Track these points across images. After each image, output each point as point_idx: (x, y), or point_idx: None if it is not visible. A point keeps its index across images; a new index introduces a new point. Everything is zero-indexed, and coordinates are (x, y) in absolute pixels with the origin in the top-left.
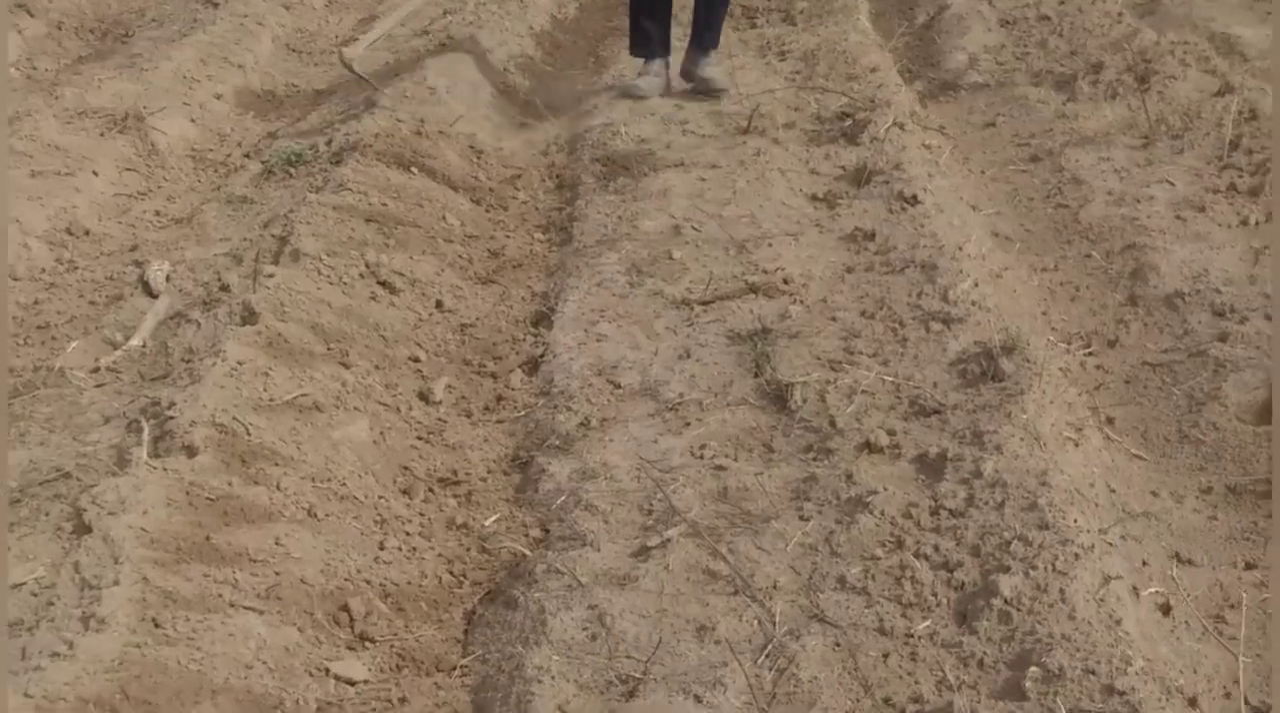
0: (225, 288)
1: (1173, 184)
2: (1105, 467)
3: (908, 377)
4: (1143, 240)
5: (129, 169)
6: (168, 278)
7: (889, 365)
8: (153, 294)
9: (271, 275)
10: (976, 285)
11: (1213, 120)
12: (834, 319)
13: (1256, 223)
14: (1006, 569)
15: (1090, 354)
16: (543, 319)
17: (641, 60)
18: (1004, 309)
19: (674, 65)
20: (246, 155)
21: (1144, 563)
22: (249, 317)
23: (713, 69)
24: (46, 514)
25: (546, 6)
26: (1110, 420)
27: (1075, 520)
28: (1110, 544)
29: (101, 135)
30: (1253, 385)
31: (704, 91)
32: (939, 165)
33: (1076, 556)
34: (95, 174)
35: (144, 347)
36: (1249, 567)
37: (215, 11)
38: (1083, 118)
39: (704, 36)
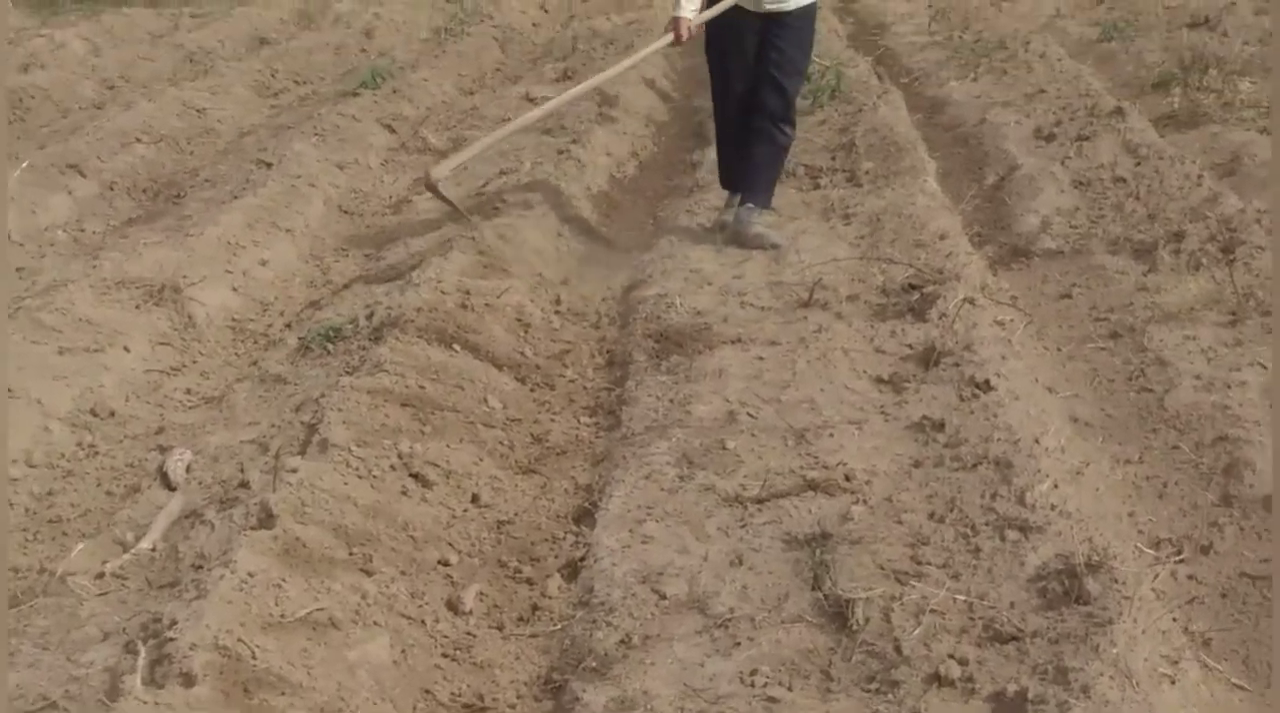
0: (245, 485)
1: (1265, 367)
2: (1205, 704)
3: (981, 595)
4: (1236, 432)
5: (163, 343)
6: (188, 469)
7: (960, 579)
8: (171, 486)
9: (295, 470)
10: (1056, 486)
11: None
12: (900, 522)
13: None
14: None
15: (1181, 562)
16: (585, 516)
17: (728, 192)
18: (1086, 513)
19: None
20: (288, 325)
21: None
22: (265, 519)
23: (756, 221)
24: None
25: (606, 166)
26: (1208, 642)
27: None
28: None
29: (137, 307)
30: None
31: (754, 242)
32: (1012, 345)
33: None
34: (126, 350)
35: (154, 550)
36: None
37: (268, 172)
38: (1165, 291)
39: (751, 192)
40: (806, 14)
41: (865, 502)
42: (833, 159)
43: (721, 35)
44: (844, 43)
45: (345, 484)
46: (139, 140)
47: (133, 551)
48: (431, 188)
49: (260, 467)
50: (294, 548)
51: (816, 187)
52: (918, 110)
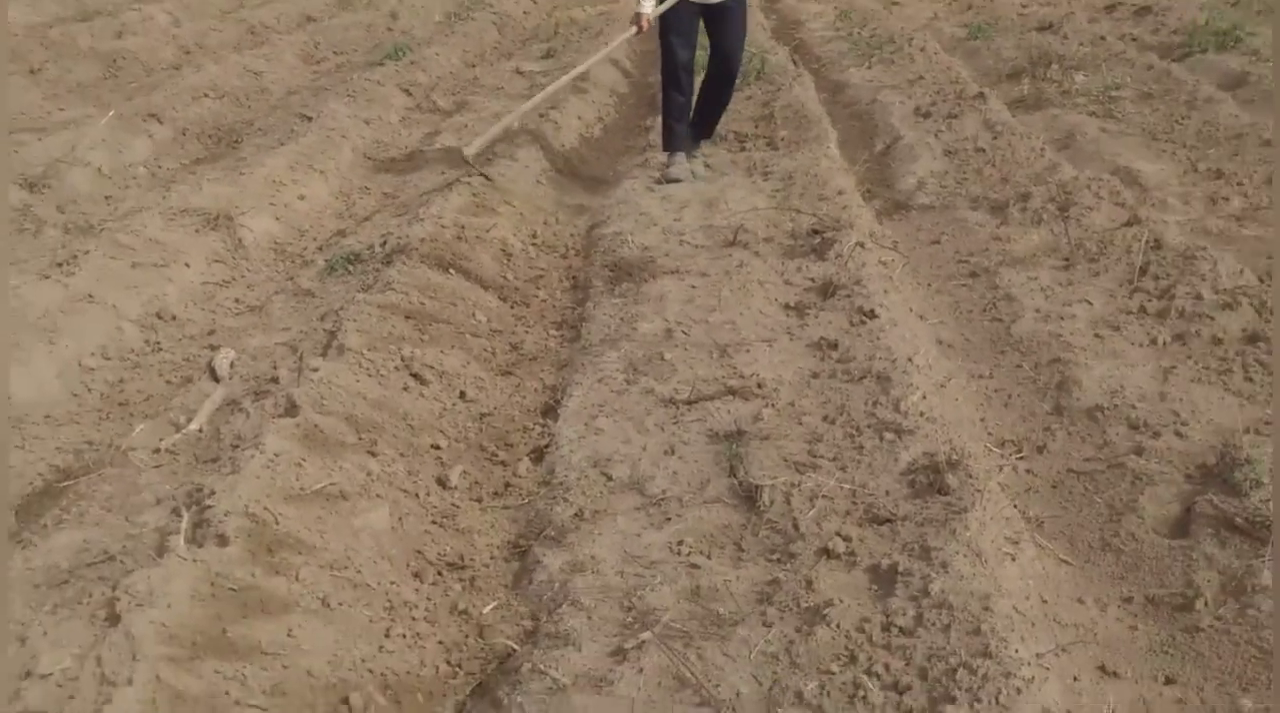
0: (275, 380)
1: (1091, 304)
2: (1038, 577)
3: (863, 484)
4: (1067, 356)
5: (217, 261)
6: (231, 365)
7: (847, 471)
8: (217, 379)
9: (316, 369)
10: (925, 397)
11: (1123, 247)
12: (800, 423)
13: (1164, 343)
14: (953, 700)
15: (1021, 459)
16: (550, 411)
17: (668, 154)
18: (948, 419)
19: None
20: (319, 248)
21: (1075, 678)
22: (290, 409)
23: (697, 164)
24: (88, 597)
25: (577, 128)
26: (1040, 524)
27: (1016, 651)
28: (1047, 669)
29: (197, 232)
30: (1166, 500)
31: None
32: (893, 281)
33: (1018, 690)
34: (187, 266)
35: (200, 431)
36: (1169, 682)
37: (308, 124)
38: (1013, 240)
39: (701, 132)
40: (742, 4)
41: (773, 405)
42: (756, 128)
43: (672, 26)
44: (768, 35)
45: (357, 381)
46: (207, 96)
47: (183, 431)
48: (465, 160)
49: (289, 366)
50: (313, 434)
51: (743, 149)
52: (824, 91)
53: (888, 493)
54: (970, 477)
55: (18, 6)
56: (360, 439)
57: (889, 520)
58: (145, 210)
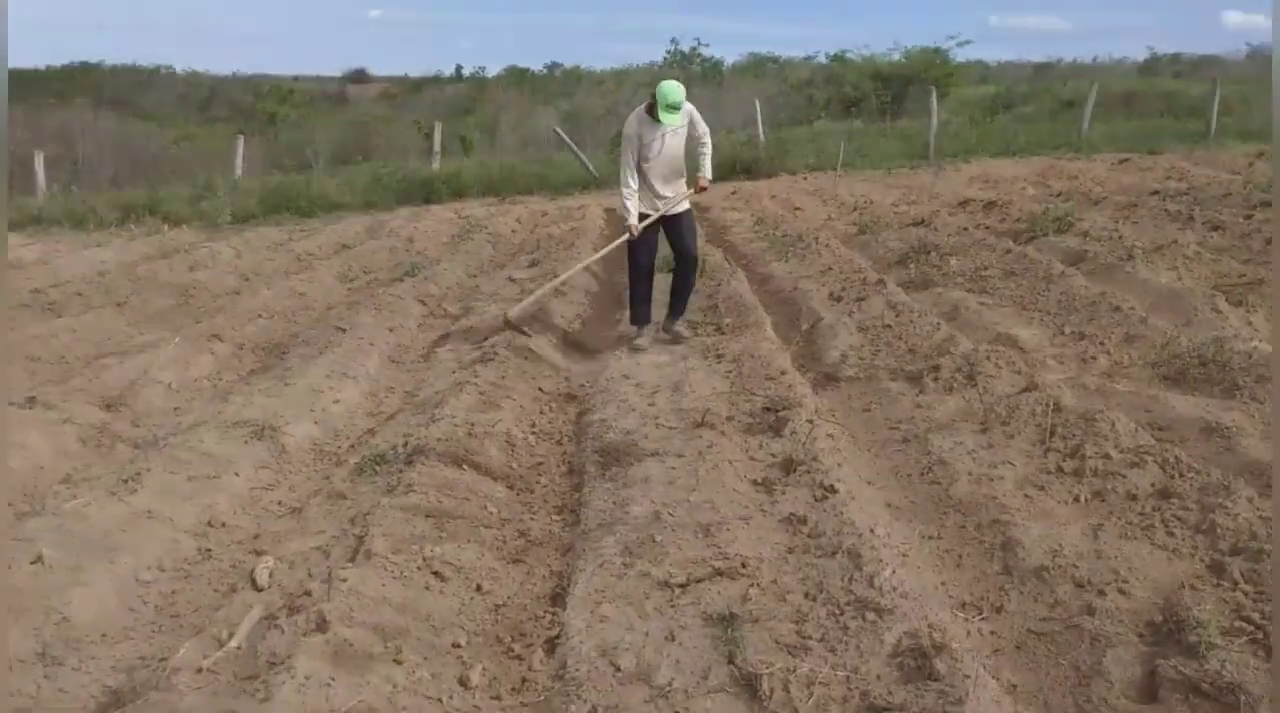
0: (308, 593)
1: (1014, 465)
2: None
3: (855, 668)
4: (1005, 516)
5: (263, 467)
6: (270, 574)
7: (837, 653)
8: (258, 588)
9: (345, 579)
10: (894, 572)
11: (1028, 411)
12: (784, 600)
13: (1086, 500)
14: None
15: (983, 619)
16: (558, 597)
17: (636, 328)
18: (917, 592)
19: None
20: (352, 446)
21: None
22: (321, 624)
23: (681, 327)
24: None
25: (561, 326)
26: (1014, 688)
27: None
28: None
29: (245, 442)
30: (1128, 662)
31: (679, 338)
32: (842, 452)
33: None
34: (237, 474)
35: (240, 648)
36: None
37: (342, 336)
38: (934, 407)
39: (677, 310)
40: (689, 213)
41: (758, 584)
42: (705, 317)
43: (640, 235)
44: (703, 240)
45: (383, 586)
46: (260, 316)
47: (224, 648)
48: (508, 324)
49: (321, 575)
50: (342, 649)
51: (696, 335)
52: (754, 283)
53: (879, 677)
54: (956, 661)
55: (112, 250)
56: (386, 647)
57: (886, 711)
58: (203, 424)
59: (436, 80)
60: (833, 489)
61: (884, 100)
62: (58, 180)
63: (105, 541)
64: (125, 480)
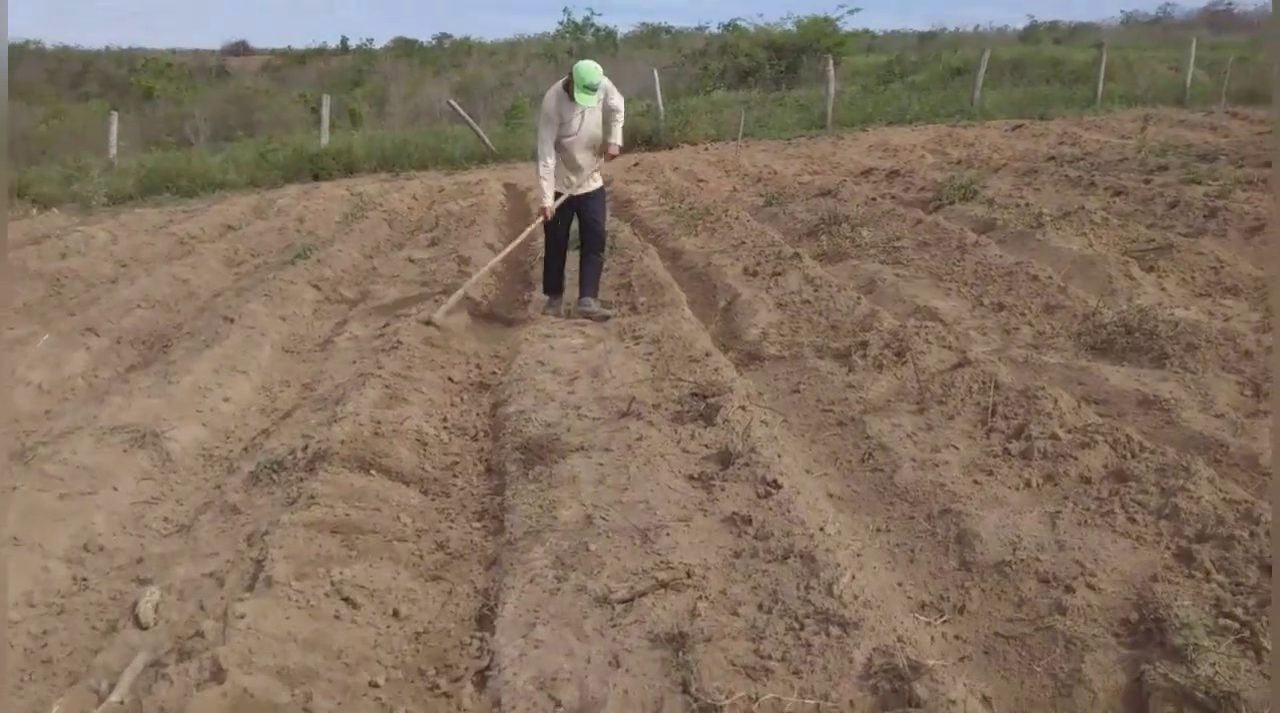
0: (200, 634)
1: (957, 449)
2: None
3: (824, 694)
4: (955, 506)
5: (146, 479)
6: (156, 609)
7: (802, 677)
8: (142, 625)
9: (242, 616)
10: (853, 578)
11: (965, 389)
12: (737, 614)
13: (1038, 485)
14: None
15: (945, 622)
16: (485, 620)
17: (547, 297)
18: (879, 598)
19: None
20: (245, 450)
21: None
22: (217, 673)
23: (593, 305)
24: None
25: (476, 296)
26: (988, 701)
27: None
28: None
29: (125, 451)
30: (1109, 667)
31: (592, 317)
32: (779, 442)
33: None
34: (115, 489)
35: (122, 703)
36: None
37: (230, 326)
38: (865, 387)
39: (586, 289)
40: (601, 191)
41: (706, 597)
42: (618, 295)
43: (557, 210)
44: (609, 214)
45: (287, 619)
46: (139, 306)
47: (105, 703)
48: (432, 324)
49: (215, 611)
50: (242, 702)
51: (611, 315)
52: (665, 258)
53: (853, 705)
54: (938, 683)
55: None
56: (294, 695)
57: None
58: (76, 431)
59: (321, 52)
60: (776, 484)
61: (778, 70)
62: None
63: None
64: None
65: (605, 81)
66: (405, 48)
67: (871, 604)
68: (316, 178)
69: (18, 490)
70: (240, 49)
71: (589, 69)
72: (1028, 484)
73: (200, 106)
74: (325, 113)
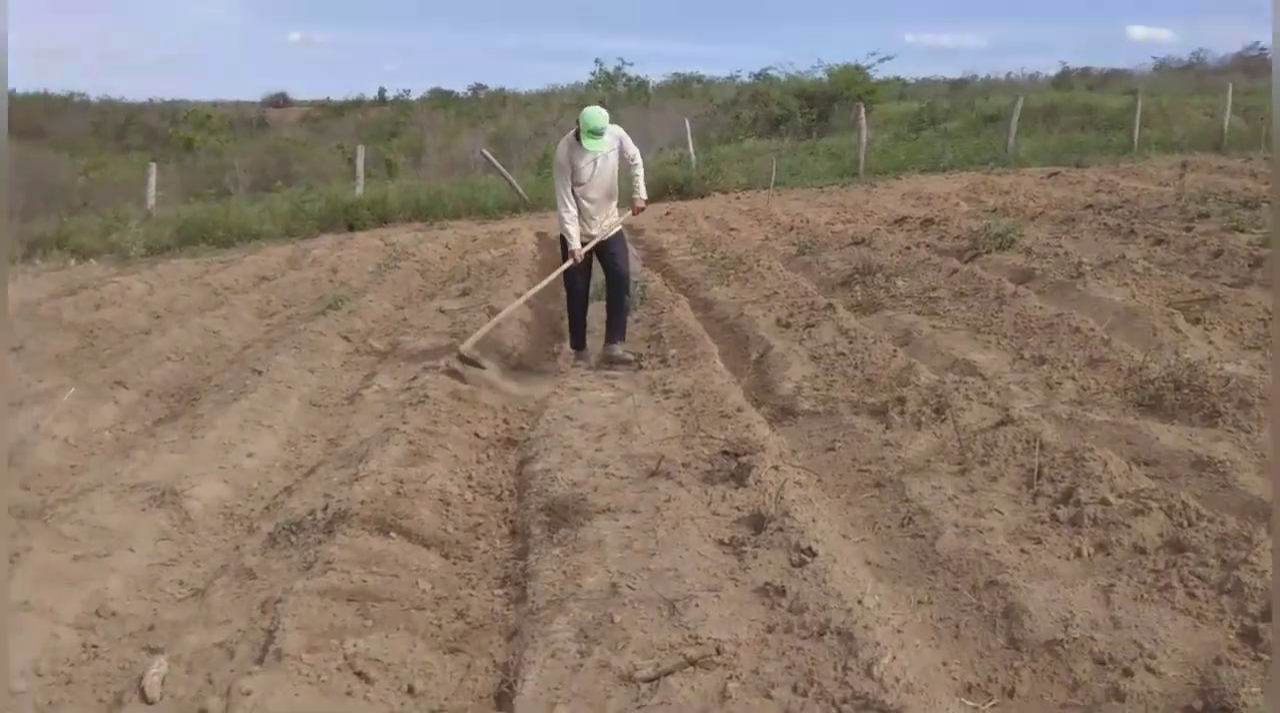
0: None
1: (1001, 513)
2: None
3: None
4: (1002, 577)
5: (164, 539)
6: (163, 681)
7: None
8: (147, 700)
9: (248, 692)
10: (894, 658)
11: (1008, 449)
12: (770, 697)
13: (1089, 555)
14: None
15: (994, 706)
16: (504, 699)
17: (575, 351)
18: (923, 681)
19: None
20: (267, 509)
21: None
22: None
23: (618, 350)
24: None
25: (506, 347)
26: None
27: None
28: None
29: (144, 510)
30: None
31: (617, 363)
32: (814, 505)
33: None
34: (131, 550)
35: None
36: None
37: (258, 379)
38: (903, 446)
39: (612, 335)
40: (620, 234)
41: (737, 677)
42: (649, 347)
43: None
44: (640, 263)
45: (296, 696)
46: (169, 358)
47: None
48: (461, 357)
49: (220, 686)
50: None
51: (641, 367)
52: (697, 309)
53: None
54: None
55: (13, 287)
56: None
57: None
58: (96, 489)
59: (359, 103)
60: (811, 552)
61: (810, 118)
62: None
63: None
64: (6, 562)
65: (617, 129)
66: (441, 99)
67: (914, 688)
68: (351, 228)
69: (32, 552)
70: (280, 101)
71: (594, 114)
72: (1078, 554)
73: (240, 157)
74: (360, 163)
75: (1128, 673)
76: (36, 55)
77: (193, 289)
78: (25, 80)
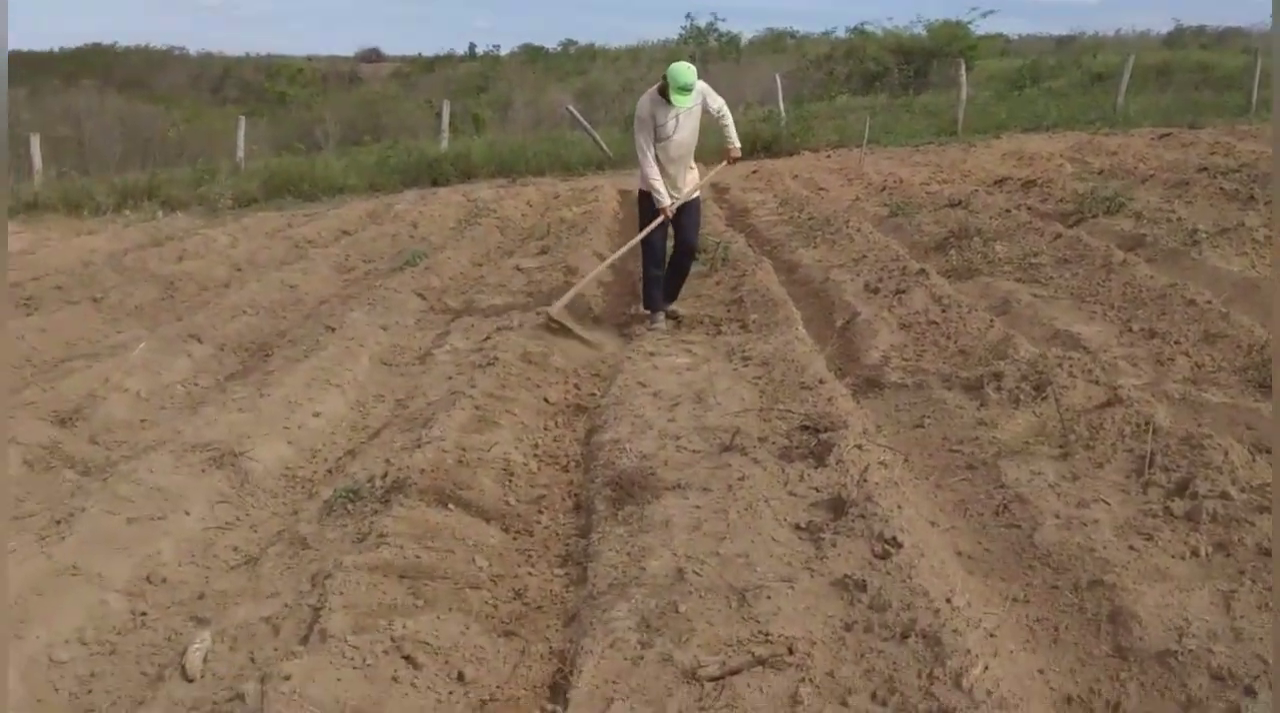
0: (240, 697)
1: (1109, 504)
2: None
3: None
4: (1108, 577)
5: (221, 502)
6: (205, 658)
7: None
8: (188, 677)
9: (288, 677)
10: (986, 668)
11: (1115, 432)
12: (846, 704)
13: (1207, 554)
14: None
15: None
16: (559, 690)
17: (650, 312)
18: (1016, 695)
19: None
20: (329, 471)
21: None
22: None
23: (676, 306)
24: None
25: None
26: None
27: None
28: None
29: (203, 471)
30: None
31: (675, 317)
32: (900, 489)
33: None
34: (187, 513)
35: None
36: None
37: (331, 335)
38: (999, 425)
39: (669, 299)
40: (698, 202)
41: (810, 679)
42: (728, 311)
43: (657, 216)
44: (724, 223)
45: (338, 681)
46: (245, 312)
47: None
48: (550, 318)
49: (260, 666)
50: None
51: (719, 333)
52: (780, 272)
53: None
54: None
55: (103, 237)
56: None
57: None
58: (157, 448)
59: (450, 59)
60: (895, 542)
61: (907, 74)
62: (62, 163)
63: (15, 608)
64: (59, 522)
65: (702, 84)
66: (531, 54)
67: (1008, 704)
68: (435, 183)
69: (86, 513)
70: (373, 56)
71: (683, 70)
72: (1195, 553)
73: (330, 111)
74: (445, 118)
75: (1250, 693)
76: (136, 9)
77: (274, 242)
78: (126, 32)
